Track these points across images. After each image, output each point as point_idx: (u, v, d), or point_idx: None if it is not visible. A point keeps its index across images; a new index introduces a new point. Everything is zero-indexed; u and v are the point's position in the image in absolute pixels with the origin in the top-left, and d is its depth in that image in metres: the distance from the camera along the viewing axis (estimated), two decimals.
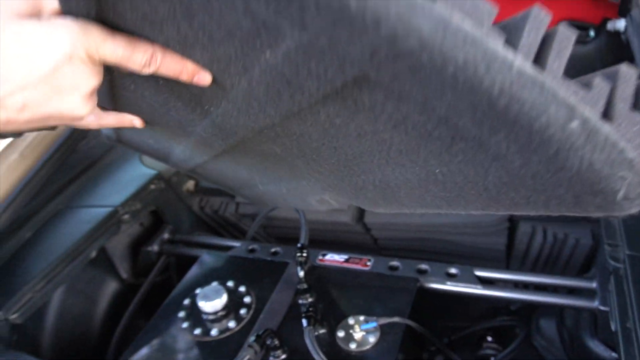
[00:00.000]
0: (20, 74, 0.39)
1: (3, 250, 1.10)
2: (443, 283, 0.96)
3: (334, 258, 1.08)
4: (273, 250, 1.13)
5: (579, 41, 1.22)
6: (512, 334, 1.10)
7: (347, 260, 1.06)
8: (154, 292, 1.24)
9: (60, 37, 0.39)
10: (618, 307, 0.70)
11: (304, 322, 0.84)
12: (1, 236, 1.11)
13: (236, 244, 1.20)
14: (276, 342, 0.82)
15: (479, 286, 0.93)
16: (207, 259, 1.15)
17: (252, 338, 0.82)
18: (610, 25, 0.88)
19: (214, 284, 0.99)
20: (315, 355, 0.78)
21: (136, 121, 0.62)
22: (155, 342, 0.95)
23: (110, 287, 1.27)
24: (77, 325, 1.18)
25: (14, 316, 0.98)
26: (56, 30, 0.39)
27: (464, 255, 1.21)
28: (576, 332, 0.95)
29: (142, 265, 1.29)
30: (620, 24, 0.82)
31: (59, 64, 0.40)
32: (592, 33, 1.22)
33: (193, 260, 1.16)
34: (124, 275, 1.29)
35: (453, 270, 0.97)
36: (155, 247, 1.28)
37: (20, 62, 0.39)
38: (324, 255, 1.08)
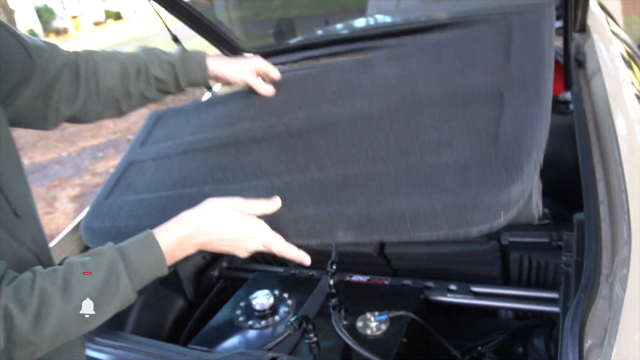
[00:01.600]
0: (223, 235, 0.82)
1: None
2: (444, 296, 1.20)
3: (359, 278, 1.35)
4: (310, 273, 1.41)
5: (561, 112, 1.51)
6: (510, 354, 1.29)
7: (368, 280, 1.32)
8: (212, 312, 1.51)
9: (251, 227, 0.84)
10: (563, 293, 0.93)
11: (332, 309, 1.10)
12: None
13: (280, 269, 1.49)
14: (310, 326, 1.08)
15: (471, 296, 1.17)
16: (259, 276, 1.44)
17: (292, 319, 1.08)
18: (561, 96, 1.17)
19: (265, 290, 1.27)
20: (339, 332, 1.03)
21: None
22: (217, 328, 1.23)
23: (177, 304, 1.57)
24: (148, 335, 1.46)
25: None
26: (249, 223, 0.84)
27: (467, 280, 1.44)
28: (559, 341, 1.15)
29: (204, 288, 1.59)
30: (568, 95, 1.09)
31: (242, 235, 0.83)
32: (571, 106, 1.51)
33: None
34: (189, 295, 1.58)
35: (453, 287, 1.22)
36: (216, 272, 1.58)
37: (226, 231, 0.82)
38: (350, 276, 1.35)
